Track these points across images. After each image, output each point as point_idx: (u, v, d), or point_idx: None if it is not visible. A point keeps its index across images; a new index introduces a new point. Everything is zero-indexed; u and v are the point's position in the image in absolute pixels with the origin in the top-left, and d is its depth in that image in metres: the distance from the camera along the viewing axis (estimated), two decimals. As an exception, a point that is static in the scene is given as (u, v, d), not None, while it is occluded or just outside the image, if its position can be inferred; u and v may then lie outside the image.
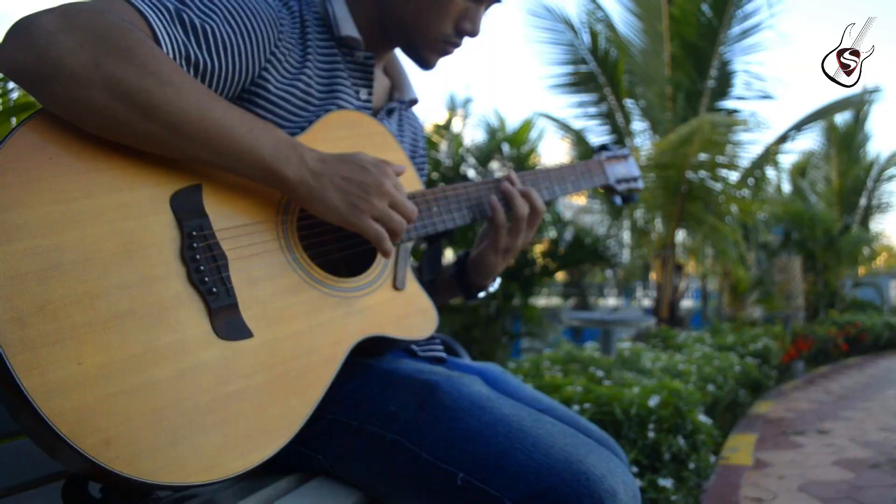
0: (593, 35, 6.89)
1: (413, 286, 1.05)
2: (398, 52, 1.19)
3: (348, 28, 1.03)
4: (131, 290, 0.69)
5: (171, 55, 0.78)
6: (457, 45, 1.08)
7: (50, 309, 0.63)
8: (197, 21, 0.82)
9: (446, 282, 1.25)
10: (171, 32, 0.79)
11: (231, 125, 0.76)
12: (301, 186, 0.82)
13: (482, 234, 1.20)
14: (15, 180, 0.65)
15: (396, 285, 1.01)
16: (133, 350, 0.68)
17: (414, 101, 1.24)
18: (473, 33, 1.06)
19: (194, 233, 0.76)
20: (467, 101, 6.40)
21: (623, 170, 1.45)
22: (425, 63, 1.10)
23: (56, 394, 0.62)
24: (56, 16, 0.69)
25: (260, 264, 0.83)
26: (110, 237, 0.69)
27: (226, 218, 0.81)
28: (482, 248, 1.17)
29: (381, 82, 1.17)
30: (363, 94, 1.09)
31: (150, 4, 0.78)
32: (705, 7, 6.83)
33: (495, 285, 1.22)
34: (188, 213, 0.77)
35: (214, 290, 0.76)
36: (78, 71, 0.68)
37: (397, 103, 1.18)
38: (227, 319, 0.76)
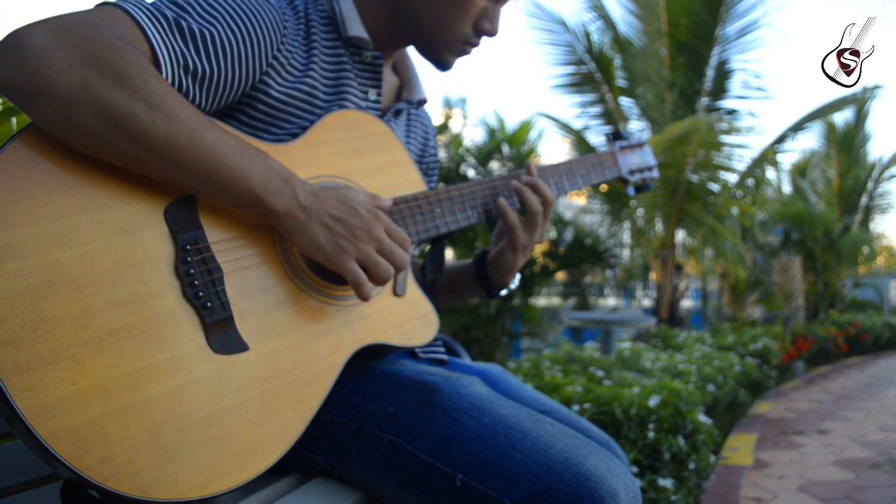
0: (587, 35, 6.92)
1: (413, 291, 1.04)
2: (410, 50, 1.17)
3: (356, 28, 1.02)
4: (125, 307, 0.69)
5: (168, 65, 0.77)
6: (475, 45, 1.07)
7: (44, 329, 0.63)
8: (196, 27, 0.81)
9: (466, 281, 1.25)
10: (168, 43, 0.78)
11: (221, 154, 0.75)
12: (288, 220, 0.80)
13: (498, 233, 1.18)
14: (7, 199, 0.64)
15: (396, 291, 1.00)
16: (128, 368, 0.67)
17: (423, 101, 1.22)
18: (493, 33, 1.05)
19: (188, 246, 0.76)
20: (465, 101, 6.42)
21: (637, 160, 1.41)
22: (443, 64, 1.09)
23: (51, 415, 0.62)
24: (48, 31, 0.68)
25: (256, 276, 0.82)
26: (104, 253, 0.69)
27: (221, 230, 0.80)
28: (500, 247, 1.16)
29: (389, 81, 1.15)
30: (372, 95, 1.07)
31: (148, 14, 0.77)
32: (698, 6, 6.83)
33: (516, 282, 1.21)
34: (182, 226, 0.76)
35: (209, 304, 0.75)
36: (66, 91, 0.67)
37: (405, 104, 1.16)
38: (222, 333, 0.76)
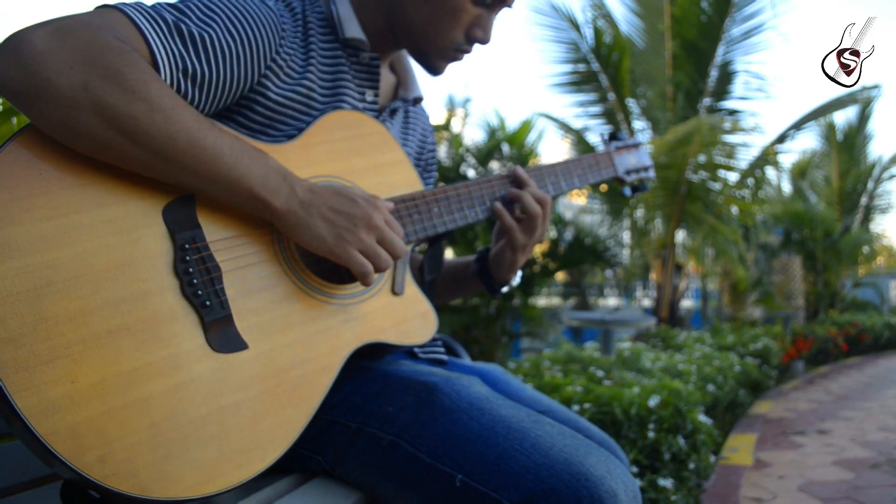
0: (597, 33, 6.86)
1: (412, 290, 1.04)
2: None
3: (353, 29, 1.02)
4: (124, 305, 0.69)
5: (167, 68, 0.78)
6: (467, 52, 1.07)
7: (43, 328, 0.63)
8: (195, 31, 0.81)
9: (468, 278, 1.25)
10: (167, 45, 0.78)
11: (220, 153, 0.76)
12: (289, 216, 0.81)
13: (497, 233, 1.19)
14: (6, 197, 0.65)
15: (395, 290, 1.00)
16: (127, 366, 0.68)
17: (419, 99, 1.22)
18: (485, 41, 1.05)
19: (187, 245, 0.76)
20: (466, 101, 6.42)
21: (633, 160, 1.42)
22: (434, 70, 1.09)
23: (50, 413, 0.62)
24: (48, 33, 0.68)
25: (254, 275, 0.82)
26: (102, 252, 0.69)
27: (219, 229, 0.81)
28: (500, 246, 1.17)
29: (386, 80, 1.16)
30: (369, 96, 1.08)
31: (148, 17, 0.78)
32: (706, 6, 6.82)
33: (517, 279, 1.22)
34: (181, 225, 0.76)
35: (208, 302, 0.75)
36: (66, 93, 0.67)
37: (401, 102, 1.16)
38: (221, 332, 0.76)
